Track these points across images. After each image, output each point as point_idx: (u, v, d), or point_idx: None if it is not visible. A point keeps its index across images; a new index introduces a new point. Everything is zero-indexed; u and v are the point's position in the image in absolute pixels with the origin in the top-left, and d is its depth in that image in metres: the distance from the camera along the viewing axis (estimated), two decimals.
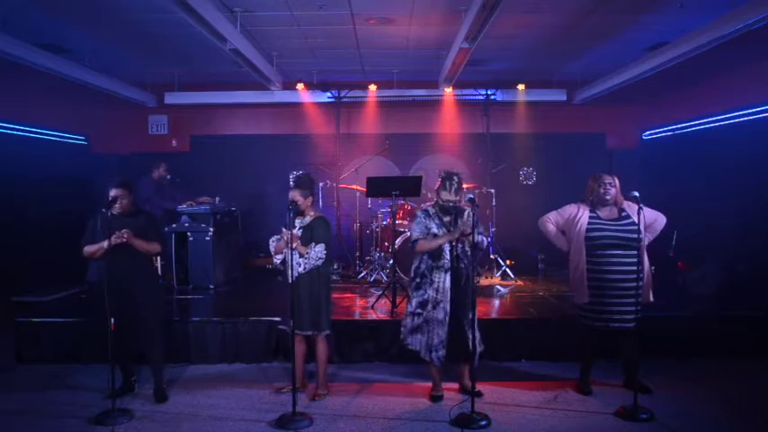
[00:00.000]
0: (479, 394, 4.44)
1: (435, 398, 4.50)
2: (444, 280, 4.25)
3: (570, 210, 4.52)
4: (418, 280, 4.35)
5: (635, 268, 4.25)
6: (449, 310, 4.25)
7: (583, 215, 4.43)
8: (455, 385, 4.67)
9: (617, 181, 4.43)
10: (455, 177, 4.29)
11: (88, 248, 4.32)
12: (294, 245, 4.26)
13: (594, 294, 4.34)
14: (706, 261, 6.69)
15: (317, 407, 4.37)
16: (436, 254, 4.26)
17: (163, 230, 4.68)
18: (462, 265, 4.28)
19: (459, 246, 4.26)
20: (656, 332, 5.25)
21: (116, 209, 4.36)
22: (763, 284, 5.87)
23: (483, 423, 3.99)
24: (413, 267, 4.44)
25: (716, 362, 5.18)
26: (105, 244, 4.19)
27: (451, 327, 4.26)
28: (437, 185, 4.36)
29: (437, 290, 4.26)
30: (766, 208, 6.23)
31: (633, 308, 4.29)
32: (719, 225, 6.80)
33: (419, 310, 4.34)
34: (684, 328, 5.40)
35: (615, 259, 4.28)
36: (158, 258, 4.71)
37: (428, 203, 4.55)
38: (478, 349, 4.35)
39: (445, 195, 4.28)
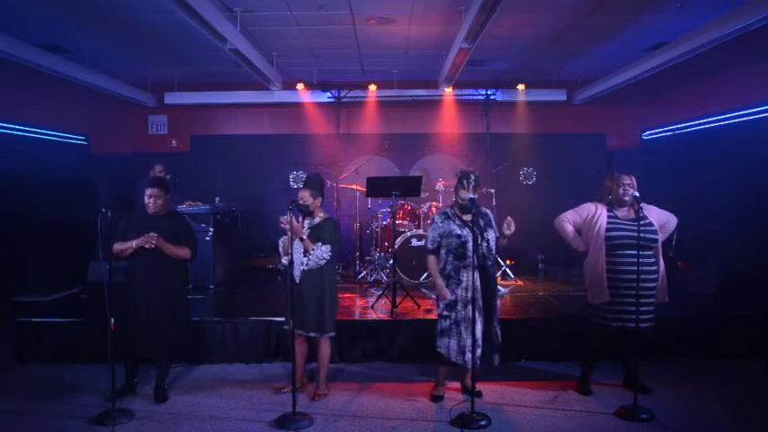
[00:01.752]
0: (479, 394, 4.44)
1: (435, 397, 4.50)
2: (474, 278, 4.15)
3: (588, 209, 4.48)
4: (446, 282, 4.28)
5: (653, 268, 4.26)
6: (482, 307, 4.18)
7: (601, 215, 4.39)
8: (455, 385, 4.67)
9: (635, 181, 4.40)
10: (471, 176, 4.30)
11: (117, 246, 4.29)
12: (303, 236, 4.29)
13: (612, 294, 4.32)
14: (706, 261, 6.69)
15: (317, 407, 4.37)
16: (459, 252, 4.22)
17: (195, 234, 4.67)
18: (489, 263, 4.25)
19: (485, 244, 4.22)
20: (657, 332, 5.22)
21: (150, 209, 4.36)
22: (764, 284, 5.87)
23: (483, 423, 3.98)
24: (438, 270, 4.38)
25: (716, 362, 5.19)
26: (134, 243, 4.21)
27: (484, 325, 4.20)
28: (455, 185, 4.37)
29: (467, 288, 4.18)
30: (766, 208, 6.23)
31: (651, 308, 4.30)
32: (719, 225, 6.80)
33: (446, 312, 4.27)
34: (684, 328, 5.40)
35: (634, 259, 4.23)
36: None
37: (434, 204, 4.52)
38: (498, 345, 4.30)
39: (464, 194, 4.27)
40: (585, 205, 4.52)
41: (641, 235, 4.23)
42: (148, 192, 4.36)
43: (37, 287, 6.99)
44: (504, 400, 4.49)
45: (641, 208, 4.18)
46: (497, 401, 4.45)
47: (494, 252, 4.32)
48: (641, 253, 4.21)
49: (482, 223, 4.24)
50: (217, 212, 7.35)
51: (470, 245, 4.19)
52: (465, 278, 4.20)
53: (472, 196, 4.20)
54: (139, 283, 4.33)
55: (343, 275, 8.03)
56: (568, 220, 4.52)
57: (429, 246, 4.40)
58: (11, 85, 7.33)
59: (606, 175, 4.55)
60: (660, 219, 4.37)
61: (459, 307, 4.21)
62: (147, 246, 4.22)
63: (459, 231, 4.23)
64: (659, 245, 4.31)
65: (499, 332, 4.33)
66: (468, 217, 4.29)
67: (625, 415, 4.10)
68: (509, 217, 4.24)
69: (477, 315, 4.13)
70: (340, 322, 5.29)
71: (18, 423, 4.15)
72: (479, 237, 4.17)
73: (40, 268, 7.20)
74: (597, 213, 4.41)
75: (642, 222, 4.30)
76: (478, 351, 4.16)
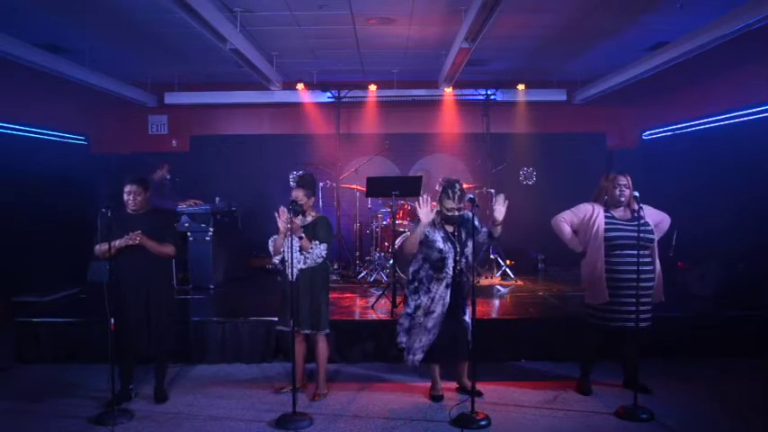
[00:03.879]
0: (479, 394, 4.43)
1: (435, 398, 4.50)
2: (444, 294, 4.20)
3: (585, 209, 4.46)
4: (416, 284, 4.31)
5: (650, 268, 4.27)
6: (440, 319, 4.22)
7: (599, 215, 4.38)
8: (455, 385, 4.67)
9: (630, 181, 4.40)
10: (457, 185, 4.18)
11: (99, 247, 4.23)
12: (301, 234, 4.28)
13: (611, 294, 4.31)
14: (706, 261, 6.69)
15: (317, 407, 4.37)
16: (438, 265, 4.19)
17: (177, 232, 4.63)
18: (465, 279, 4.24)
19: (464, 260, 4.20)
20: (656, 332, 5.23)
21: (130, 206, 4.31)
22: (763, 284, 5.87)
23: (483, 423, 3.98)
24: (411, 270, 4.40)
25: (716, 362, 5.19)
26: (117, 243, 4.15)
27: (452, 326, 4.24)
28: (438, 195, 4.24)
29: (432, 299, 4.22)
30: (766, 208, 6.23)
31: (650, 307, 4.31)
32: (719, 225, 6.80)
33: (409, 312, 4.34)
34: (684, 328, 5.40)
35: (632, 259, 4.22)
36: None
37: (434, 204, 4.48)
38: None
39: (449, 204, 4.16)
40: (582, 206, 4.50)
41: (640, 235, 4.24)
42: (127, 189, 4.28)
43: (37, 287, 6.99)
44: (504, 400, 4.49)
45: (641, 208, 4.18)
46: (497, 401, 4.45)
47: (471, 261, 4.26)
48: (640, 253, 4.21)
49: (464, 235, 4.20)
50: (217, 212, 7.35)
51: (450, 261, 4.17)
52: (435, 289, 4.22)
53: (471, 197, 4.16)
54: (126, 283, 4.27)
55: (343, 275, 8.04)
56: (566, 221, 4.51)
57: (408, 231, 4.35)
58: (11, 85, 7.33)
59: (602, 175, 4.54)
60: (654, 219, 4.39)
61: (420, 313, 4.25)
62: (131, 242, 4.16)
63: (441, 246, 4.17)
64: (655, 244, 4.31)
65: (470, 339, 4.31)
66: (452, 228, 4.24)
67: (625, 415, 4.10)
68: (502, 194, 4.14)
69: (431, 326, 4.22)
70: (340, 322, 5.34)
71: (18, 423, 4.15)
72: (459, 253, 4.16)
73: (40, 268, 7.20)
74: (594, 214, 4.40)
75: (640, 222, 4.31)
76: (420, 356, 4.26)
